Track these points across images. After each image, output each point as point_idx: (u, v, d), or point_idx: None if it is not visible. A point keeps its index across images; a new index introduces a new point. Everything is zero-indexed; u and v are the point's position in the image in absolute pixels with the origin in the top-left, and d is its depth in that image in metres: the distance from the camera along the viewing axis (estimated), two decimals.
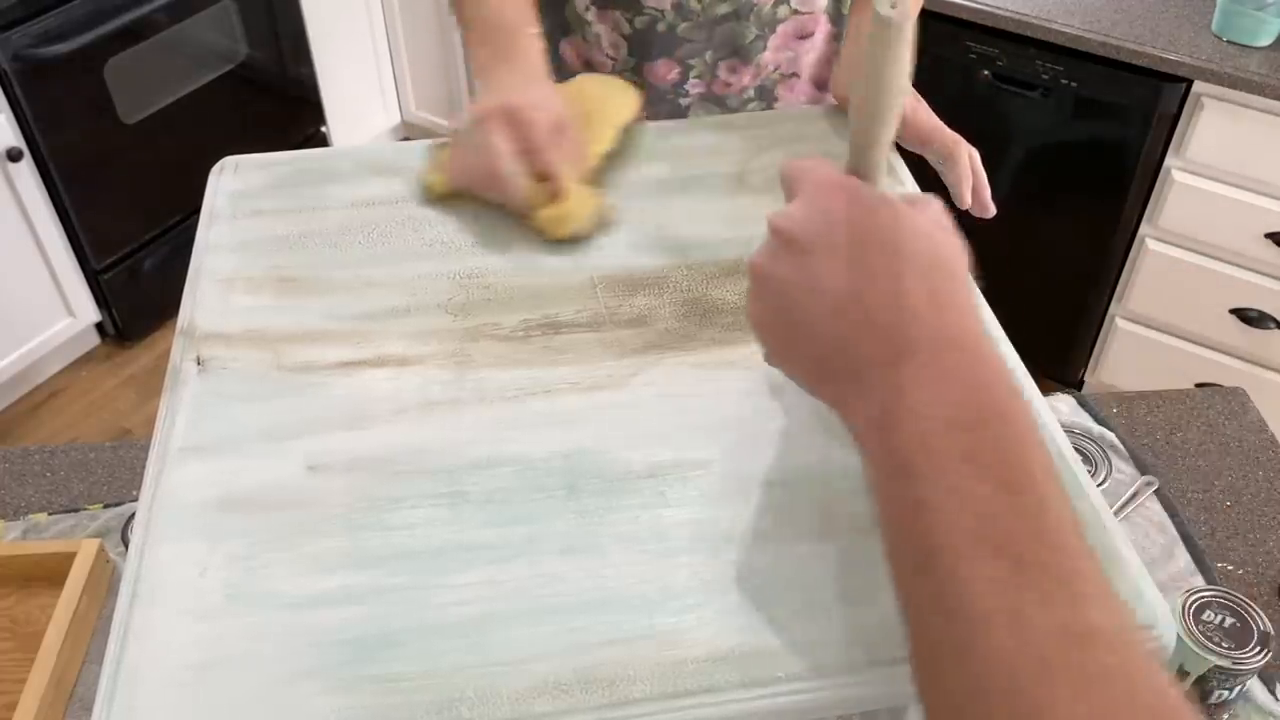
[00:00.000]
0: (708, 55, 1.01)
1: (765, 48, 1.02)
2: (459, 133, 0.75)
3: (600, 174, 0.77)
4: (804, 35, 1.03)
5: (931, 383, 0.41)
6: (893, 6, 0.43)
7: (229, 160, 0.80)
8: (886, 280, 0.43)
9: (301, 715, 0.46)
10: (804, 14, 1.01)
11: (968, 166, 0.77)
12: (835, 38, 1.05)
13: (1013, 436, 0.40)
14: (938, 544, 0.38)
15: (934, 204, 0.48)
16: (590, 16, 1.00)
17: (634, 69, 1.03)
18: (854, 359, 0.43)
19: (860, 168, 0.49)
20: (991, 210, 0.77)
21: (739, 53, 1.01)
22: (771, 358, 0.50)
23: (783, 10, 1.00)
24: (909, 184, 0.77)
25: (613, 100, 0.82)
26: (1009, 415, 0.41)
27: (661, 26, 0.98)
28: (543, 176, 0.72)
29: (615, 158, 0.79)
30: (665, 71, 1.02)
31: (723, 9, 0.98)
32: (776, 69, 1.05)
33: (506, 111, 0.72)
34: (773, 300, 0.47)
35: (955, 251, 0.46)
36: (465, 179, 0.74)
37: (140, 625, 0.49)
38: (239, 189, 0.77)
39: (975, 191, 0.77)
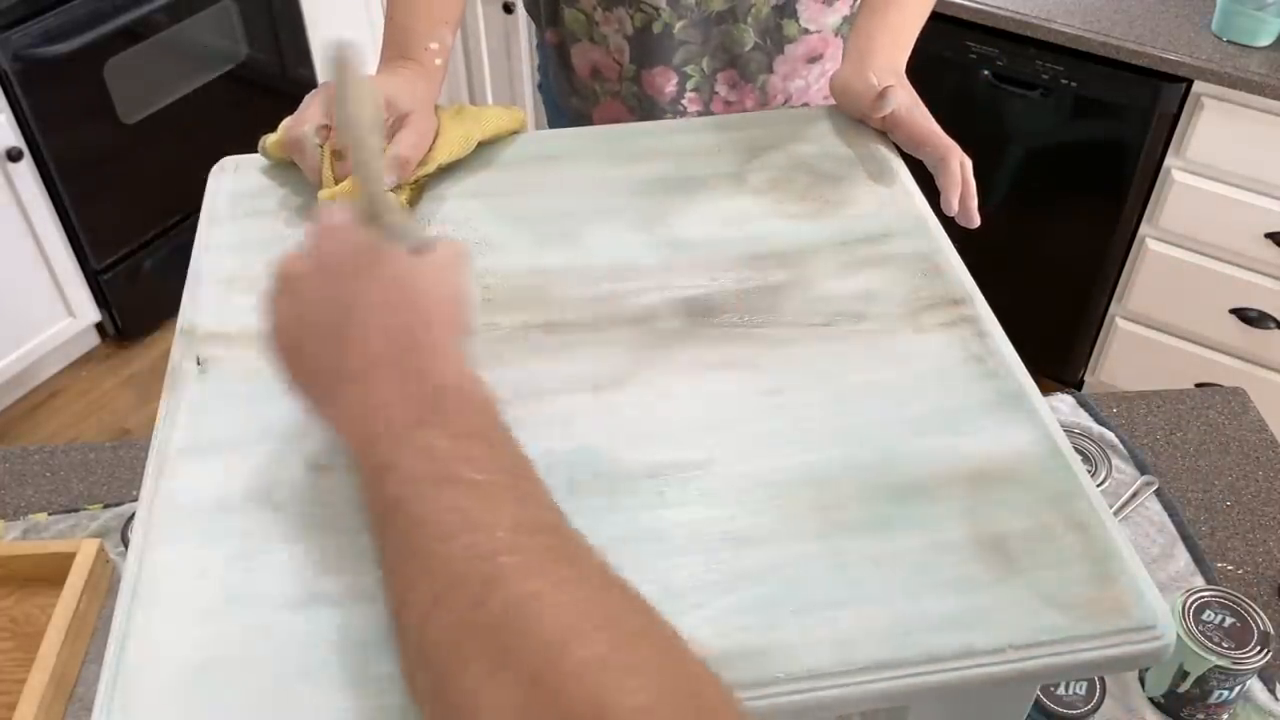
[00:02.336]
0: (704, 63, 1.01)
1: (771, 69, 1.01)
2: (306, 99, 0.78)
3: (421, 186, 0.77)
4: (814, 59, 1.02)
5: (377, 394, 0.47)
6: (346, 46, 0.49)
7: (229, 160, 0.80)
8: (349, 301, 0.49)
9: (301, 716, 0.46)
10: (813, 33, 1.00)
11: (958, 173, 0.76)
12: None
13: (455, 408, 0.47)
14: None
15: (446, 248, 0.53)
16: (599, 16, 1.00)
17: (634, 78, 1.03)
18: (326, 369, 0.49)
19: (367, 209, 0.52)
20: (976, 221, 0.76)
21: (736, 63, 1.01)
22: (291, 383, 0.53)
23: (791, 28, 0.99)
24: (904, 183, 0.77)
25: (488, 117, 0.81)
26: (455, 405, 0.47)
27: (658, 27, 0.98)
28: (336, 155, 0.73)
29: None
30: (663, 82, 1.02)
31: (717, 5, 0.98)
32: (787, 100, 1.05)
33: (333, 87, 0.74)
34: (278, 321, 0.52)
35: (451, 290, 0.52)
36: (283, 142, 0.76)
37: (140, 626, 0.49)
38: (239, 189, 0.77)
39: (962, 200, 0.76)
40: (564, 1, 1.01)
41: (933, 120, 0.80)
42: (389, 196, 0.52)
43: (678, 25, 0.99)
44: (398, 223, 0.51)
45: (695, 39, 0.99)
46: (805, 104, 1.05)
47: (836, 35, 1.02)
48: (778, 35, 0.99)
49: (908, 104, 0.80)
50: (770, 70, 1.01)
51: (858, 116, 0.82)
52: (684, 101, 1.03)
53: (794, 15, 0.99)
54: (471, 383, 0.48)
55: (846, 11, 1.02)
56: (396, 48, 0.86)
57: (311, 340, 0.50)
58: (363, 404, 0.47)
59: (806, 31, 1.00)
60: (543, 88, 1.18)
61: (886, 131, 0.81)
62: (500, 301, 0.67)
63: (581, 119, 1.11)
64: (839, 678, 0.47)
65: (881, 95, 0.79)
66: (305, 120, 0.74)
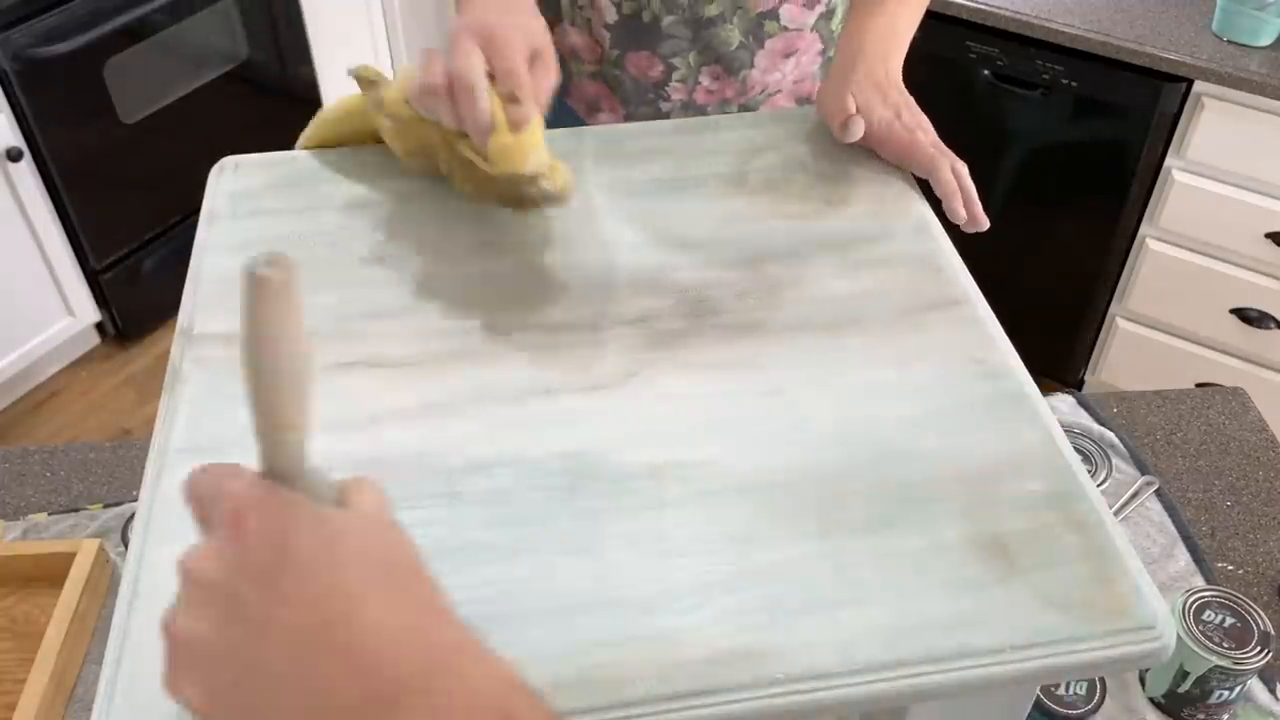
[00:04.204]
0: (691, 57, 1.01)
1: (752, 64, 1.02)
2: (428, 53, 0.69)
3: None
4: (790, 53, 1.03)
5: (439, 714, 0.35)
6: (270, 264, 0.36)
7: (229, 160, 0.80)
8: (342, 603, 0.36)
9: None
10: (792, 30, 1.01)
11: (952, 182, 0.75)
12: (822, 54, 1.05)
13: None
14: None
15: (367, 489, 0.40)
16: (583, 0, 1.00)
17: (617, 61, 1.02)
18: (339, 707, 0.35)
19: (274, 464, 0.39)
20: (984, 223, 0.76)
21: (722, 60, 1.01)
22: None
23: (770, 25, 1.00)
24: (903, 182, 0.77)
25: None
26: None
27: (646, 16, 0.98)
28: (510, 98, 0.66)
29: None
30: (648, 65, 1.02)
31: (711, 10, 0.98)
32: (764, 91, 1.05)
33: (483, 28, 0.68)
34: (208, 668, 0.36)
35: (401, 544, 0.39)
36: (426, 98, 0.68)
37: (140, 627, 0.49)
38: (239, 189, 0.77)
39: (965, 205, 0.76)
40: None
41: (917, 131, 0.78)
42: (304, 445, 0.39)
43: (666, 20, 0.99)
44: (314, 476, 0.39)
45: (683, 35, 1.00)
46: (779, 92, 1.05)
47: (813, 31, 1.02)
48: (759, 33, 1.00)
49: (887, 119, 0.79)
50: (751, 65, 1.01)
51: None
52: (668, 89, 1.04)
53: (776, 17, 1.00)
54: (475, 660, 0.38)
55: (823, 9, 1.02)
56: None
57: (267, 666, 0.35)
58: None
59: (785, 29, 1.00)
60: None
61: (874, 149, 0.80)
62: (500, 301, 0.67)
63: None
64: (839, 678, 0.47)
65: (845, 124, 0.79)
66: (466, 66, 0.65)
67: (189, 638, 0.37)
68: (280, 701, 0.35)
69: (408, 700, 0.35)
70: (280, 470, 0.39)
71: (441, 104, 0.66)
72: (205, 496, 0.39)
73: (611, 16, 0.99)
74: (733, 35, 0.99)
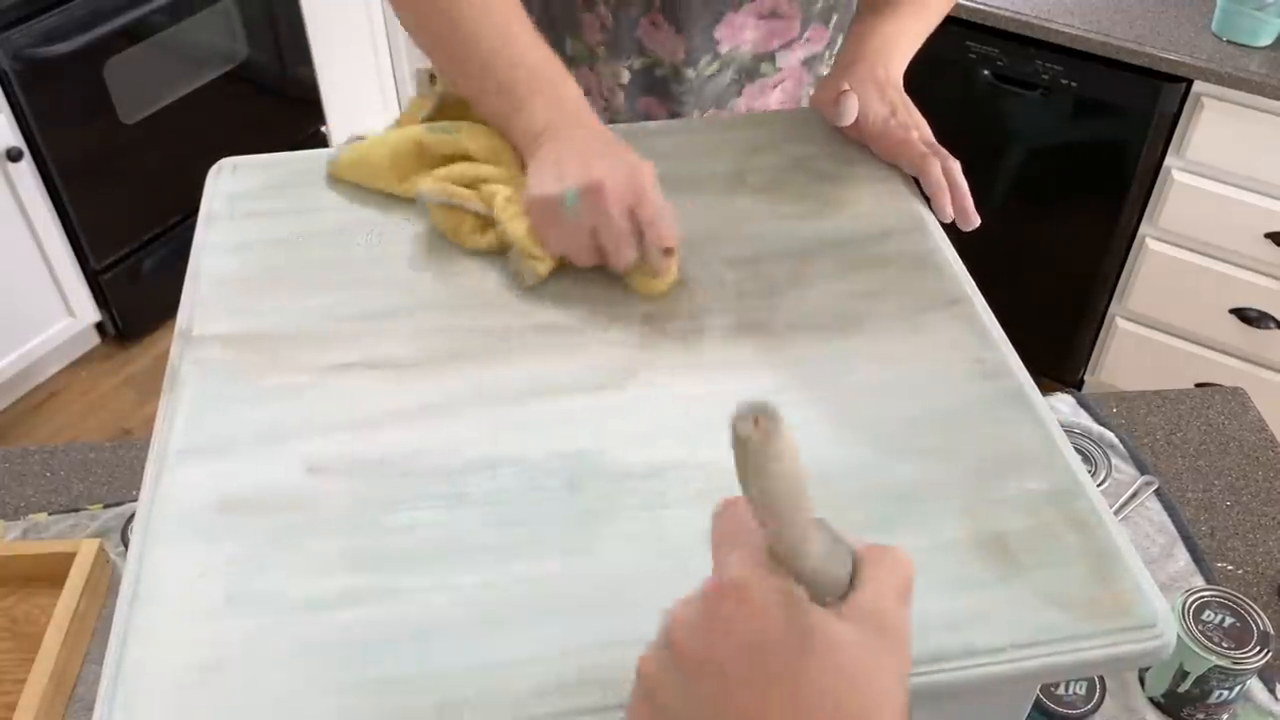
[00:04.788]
0: (695, 112, 1.01)
1: (740, 94, 1.02)
2: (546, 201, 0.68)
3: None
4: (778, 84, 1.03)
5: None
6: (755, 423, 0.34)
7: (227, 161, 0.80)
8: None
9: (301, 717, 0.46)
10: (782, 69, 1.01)
11: (940, 180, 0.75)
12: (802, 83, 1.05)
13: None
14: None
15: (880, 571, 0.38)
16: (601, 54, 0.99)
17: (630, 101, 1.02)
18: None
19: (781, 551, 0.37)
20: (974, 220, 0.74)
21: (718, 101, 1.02)
22: None
23: (767, 68, 1.00)
24: (901, 182, 0.77)
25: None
26: None
27: (660, 72, 0.98)
28: (666, 252, 0.67)
29: None
30: (649, 110, 1.01)
31: (726, 77, 0.98)
32: (748, 111, 1.06)
33: (620, 183, 0.67)
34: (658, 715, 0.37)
35: (887, 684, 0.36)
36: (569, 249, 0.68)
37: (140, 627, 0.49)
38: (237, 190, 0.77)
39: (956, 203, 0.75)
40: (569, 34, 1.00)
41: (912, 130, 0.78)
42: (812, 544, 0.37)
43: (673, 86, 0.98)
44: (819, 566, 0.37)
45: (689, 96, 1.00)
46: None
47: (803, 65, 1.03)
48: (754, 73, 1.00)
49: (883, 115, 0.79)
50: (739, 95, 1.02)
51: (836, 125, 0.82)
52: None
53: (772, 59, 1.00)
54: None
55: (817, 49, 1.03)
56: (553, 95, 0.73)
57: None
58: None
59: (779, 69, 1.01)
60: None
61: (867, 144, 0.80)
62: (499, 301, 0.67)
63: None
64: None
65: (836, 102, 0.78)
66: (617, 231, 0.66)
67: (654, 685, 0.37)
68: None
69: None
70: (786, 556, 0.37)
71: (583, 260, 0.68)
72: (715, 551, 0.39)
73: (625, 78, 0.99)
74: (727, 76, 0.99)
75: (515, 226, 0.68)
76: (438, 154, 0.75)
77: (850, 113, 0.78)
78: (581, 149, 0.69)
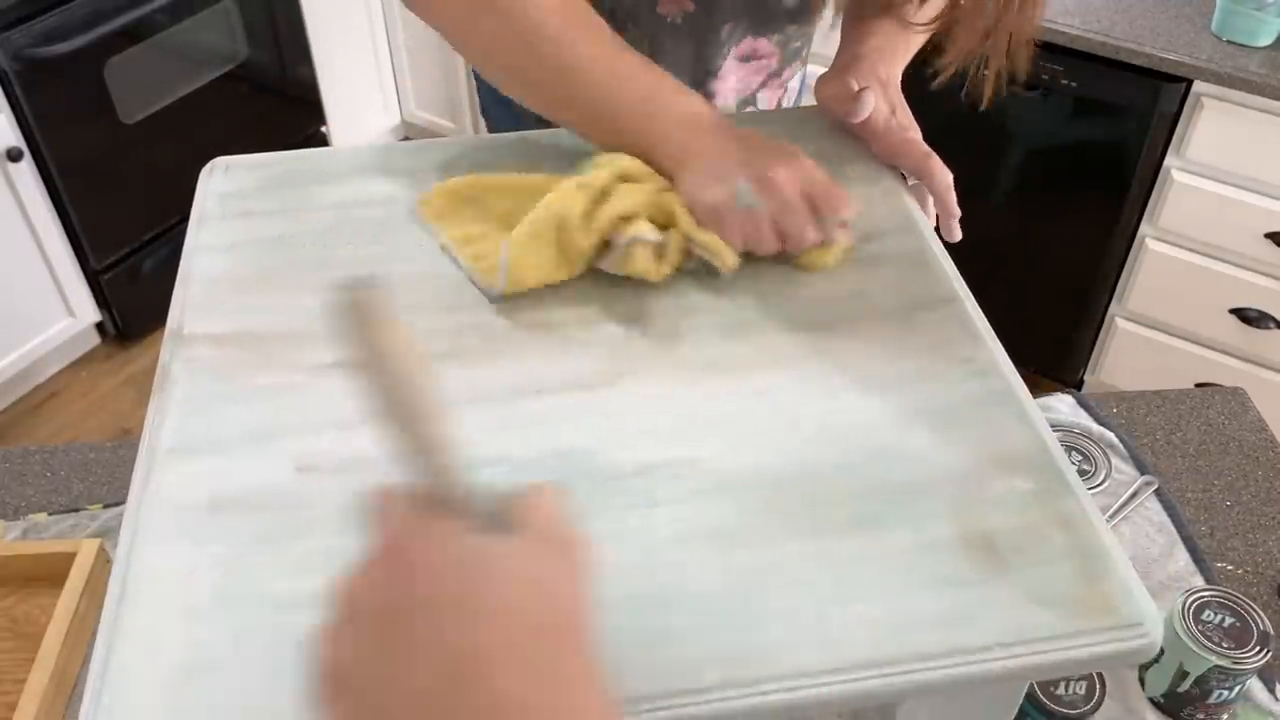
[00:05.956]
0: None
1: None
2: (717, 202, 0.67)
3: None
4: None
5: None
6: (359, 286, 0.37)
7: (219, 161, 0.79)
8: (478, 666, 0.35)
9: (287, 717, 0.46)
10: (759, 108, 1.03)
11: (945, 179, 0.75)
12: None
13: None
14: None
15: (540, 504, 0.40)
16: None
17: None
18: None
19: (430, 489, 0.39)
20: (957, 235, 0.76)
21: None
22: None
23: (743, 112, 1.01)
24: (892, 182, 0.77)
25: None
26: None
27: None
28: (842, 225, 0.68)
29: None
30: None
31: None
32: None
33: (788, 169, 0.68)
34: (352, 692, 0.36)
35: (561, 585, 0.38)
36: (750, 241, 0.68)
37: (128, 626, 0.49)
38: (229, 190, 0.77)
39: (942, 219, 0.76)
40: None
41: (913, 129, 0.79)
42: (455, 465, 0.39)
43: None
44: (472, 497, 0.39)
45: None
46: None
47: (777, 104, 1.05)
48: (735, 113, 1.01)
49: (885, 112, 0.78)
50: None
51: (837, 120, 0.82)
52: None
53: (754, 101, 1.01)
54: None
55: (794, 90, 1.04)
56: (688, 108, 0.71)
57: (401, 700, 0.35)
58: None
59: (755, 108, 1.02)
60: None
61: (866, 141, 0.80)
62: (487, 302, 0.67)
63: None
64: (828, 676, 0.47)
65: (857, 97, 0.78)
66: (804, 219, 0.66)
67: (334, 655, 0.37)
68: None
69: None
70: (437, 495, 0.39)
71: (767, 241, 0.68)
72: (373, 519, 0.40)
73: None
74: None
75: (700, 234, 0.67)
76: (592, 198, 0.67)
77: (867, 108, 0.78)
78: (733, 151, 0.69)
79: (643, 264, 0.66)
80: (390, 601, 0.37)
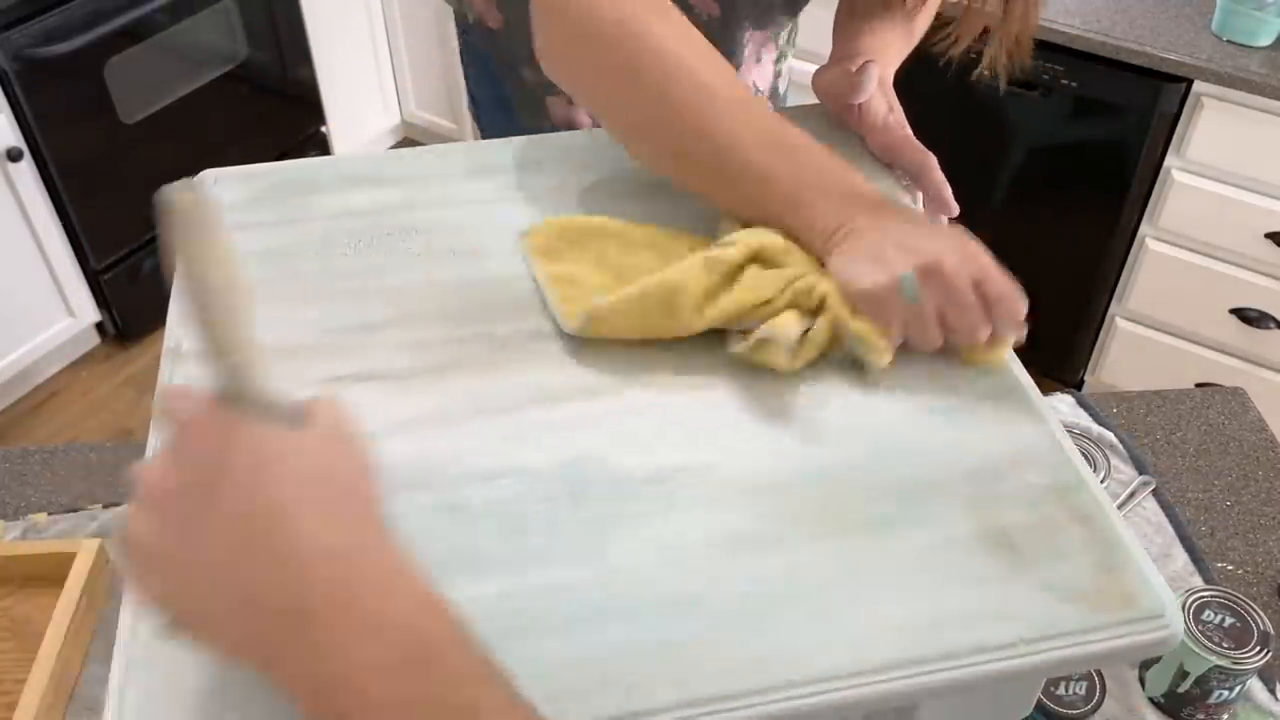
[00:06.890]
0: None
1: None
2: (879, 290, 0.60)
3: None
4: None
5: (349, 641, 0.38)
6: (182, 191, 0.40)
7: (208, 173, 0.78)
8: (276, 519, 0.39)
9: None
10: None
11: (942, 176, 0.75)
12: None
13: (450, 674, 0.39)
14: None
15: (326, 408, 0.44)
16: None
17: None
18: (265, 611, 0.38)
19: (226, 387, 0.42)
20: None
21: None
22: (179, 630, 0.42)
23: None
24: (893, 180, 0.77)
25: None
26: (439, 654, 0.39)
27: None
28: (1016, 325, 0.62)
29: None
30: None
31: None
32: None
33: (958, 260, 0.61)
34: (158, 571, 0.41)
35: (347, 463, 0.43)
36: (914, 335, 0.62)
37: (146, 630, 0.49)
38: (219, 203, 0.75)
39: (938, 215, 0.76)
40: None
41: (906, 128, 0.79)
42: (252, 367, 0.42)
43: None
44: (265, 397, 0.42)
45: None
46: None
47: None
48: None
49: (883, 109, 0.79)
50: None
51: (838, 111, 0.81)
52: None
53: None
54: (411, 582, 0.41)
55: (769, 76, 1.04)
56: (844, 182, 0.66)
57: (205, 570, 0.39)
58: (315, 654, 0.38)
59: None
60: (470, 77, 1.13)
61: (863, 137, 0.80)
62: (492, 309, 0.66)
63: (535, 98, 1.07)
64: (853, 679, 0.47)
65: (861, 69, 0.77)
66: (979, 316, 0.60)
67: (139, 541, 0.41)
68: (215, 606, 0.39)
69: (328, 614, 0.38)
70: (232, 393, 0.42)
71: (931, 336, 0.61)
72: (165, 414, 0.43)
73: None
74: None
75: (855, 324, 0.61)
76: (720, 277, 0.63)
77: (871, 82, 0.76)
78: (895, 233, 0.62)
79: (775, 357, 0.60)
80: (185, 482, 0.40)
